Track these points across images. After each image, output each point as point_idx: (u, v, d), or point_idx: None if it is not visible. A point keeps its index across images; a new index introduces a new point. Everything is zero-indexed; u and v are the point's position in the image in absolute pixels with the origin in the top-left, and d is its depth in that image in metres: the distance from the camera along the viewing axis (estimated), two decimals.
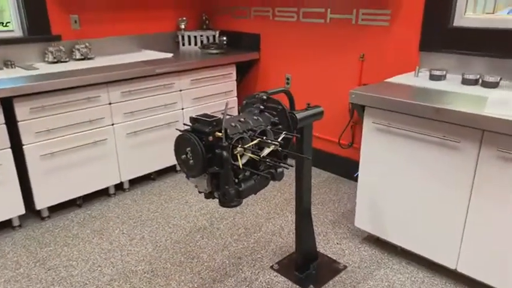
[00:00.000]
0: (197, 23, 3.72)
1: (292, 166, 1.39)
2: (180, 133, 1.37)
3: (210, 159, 1.33)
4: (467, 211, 1.75)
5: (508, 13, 2.30)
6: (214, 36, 3.51)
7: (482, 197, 1.70)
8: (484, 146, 1.64)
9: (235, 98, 3.35)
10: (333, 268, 2.05)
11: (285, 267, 2.06)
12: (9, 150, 2.25)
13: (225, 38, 3.39)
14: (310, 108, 1.72)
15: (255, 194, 1.48)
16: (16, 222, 2.42)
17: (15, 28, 2.76)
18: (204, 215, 2.55)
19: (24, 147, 2.28)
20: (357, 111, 2.12)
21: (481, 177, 1.68)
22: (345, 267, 2.05)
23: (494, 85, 1.97)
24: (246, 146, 1.37)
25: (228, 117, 1.44)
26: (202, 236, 2.33)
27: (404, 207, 1.97)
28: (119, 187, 2.86)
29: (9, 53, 2.67)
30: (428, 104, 1.72)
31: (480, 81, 2.04)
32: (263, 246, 2.23)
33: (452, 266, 1.87)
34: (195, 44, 3.52)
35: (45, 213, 2.52)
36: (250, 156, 1.38)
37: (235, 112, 3.37)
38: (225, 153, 1.30)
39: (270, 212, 2.58)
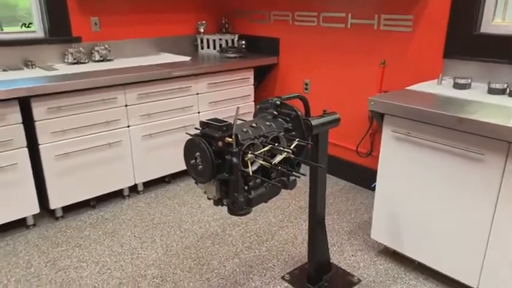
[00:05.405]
0: (216, 26, 3.71)
1: (304, 175, 1.33)
2: (190, 137, 1.33)
3: (220, 165, 1.30)
4: (490, 227, 1.66)
5: None
6: (233, 40, 3.49)
7: (507, 212, 1.60)
8: (510, 159, 1.55)
9: (253, 103, 3.31)
10: (346, 281, 1.98)
11: (296, 278, 2.00)
12: (26, 149, 2.27)
13: (243, 42, 3.37)
14: (326, 115, 1.67)
15: (266, 202, 1.43)
16: (30, 221, 2.44)
17: (37, 29, 2.80)
18: (217, 220, 2.51)
19: (40, 146, 2.30)
20: (376, 119, 2.05)
21: (506, 192, 1.59)
22: (359, 280, 1.98)
23: None
24: (257, 153, 1.32)
25: (239, 122, 1.40)
26: (213, 242, 2.29)
27: (423, 221, 1.88)
28: (133, 189, 2.86)
29: (30, 54, 2.71)
30: (451, 113, 1.64)
31: (507, 90, 1.94)
32: (275, 255, 2.17)
33: (473, 285, 1.77)
34: (214, 48, 3.50)
35: (59, 213, 2.53)
36: (262, 163, 1.34)
37: (251, 117, 3.33)
38: (234, 159, 1.26)
39: (283, 220, 2.52)
